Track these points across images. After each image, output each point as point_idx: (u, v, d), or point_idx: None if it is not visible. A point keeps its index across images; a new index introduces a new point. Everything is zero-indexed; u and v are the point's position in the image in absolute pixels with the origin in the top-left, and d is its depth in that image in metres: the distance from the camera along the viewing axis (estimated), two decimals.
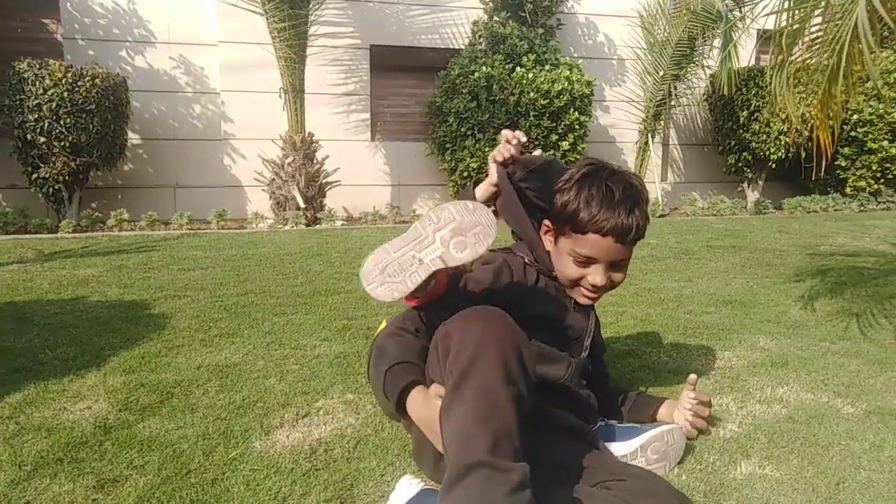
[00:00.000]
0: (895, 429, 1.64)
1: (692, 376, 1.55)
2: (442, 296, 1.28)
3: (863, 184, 7.01)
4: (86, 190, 5.71)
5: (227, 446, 1.48)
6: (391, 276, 1.16)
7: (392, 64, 6.72)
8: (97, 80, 5.23)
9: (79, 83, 5.14)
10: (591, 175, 1.35)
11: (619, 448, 1.39)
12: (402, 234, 1.21)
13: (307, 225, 5.61)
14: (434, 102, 6.27)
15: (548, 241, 1.44)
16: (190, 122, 6.33)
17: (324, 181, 5.96)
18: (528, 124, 5.94)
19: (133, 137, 6.06)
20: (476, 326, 1.08)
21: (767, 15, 2.40)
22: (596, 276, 1.37)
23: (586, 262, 1.37)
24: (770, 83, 2.29)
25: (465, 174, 6.16)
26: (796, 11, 2.19)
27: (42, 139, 5.12)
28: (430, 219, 1.20)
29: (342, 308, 2.73)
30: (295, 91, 5.74)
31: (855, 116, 6.70)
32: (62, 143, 5.16)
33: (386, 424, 1.59)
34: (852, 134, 6.79)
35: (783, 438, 1.58)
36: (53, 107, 5.07)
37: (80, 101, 5.14)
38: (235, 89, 6.26)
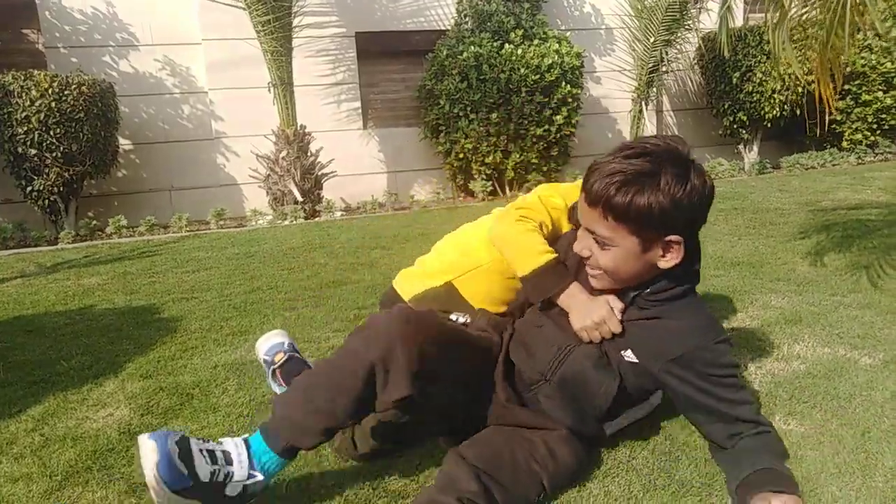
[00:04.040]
0: None
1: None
2: None
3: (859, 136, 6.98)
4: (81, 199, 5.68)
5: None
6: None
7: (379, 50, 6.65)
8: (84, 88, 5.17)
9: (65, 92, 5.09)
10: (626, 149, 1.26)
11: None
12: None
13: (306, 218, 5.59)
14: (424, 86, 6.22)
15: None
16: (180, 124, 6.28)
17: (319, 173, 5.92)
18: (520, 101, 5.90)
19: (124, 143, 6.01)
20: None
21: None
22: (577, 242, 1.32)
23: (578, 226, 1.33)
24: (769, 41, 2.27)
25: (461, 156, 6.13)
26: None
27: (33, 151, 5.08)
28: None
29: (351, 298, 2.73)
30: (284, 84, 5.68)
31: (848, 69, 6.64)
32: (54, 154, 5.12)
33: None
34: (846, 87, 6.74)
35: (804, 394, 1.59)
36: (42, 118, 5.02)
37: (68, 111, 5.09)
38: (223, 87, 6.20)
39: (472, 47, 5.87)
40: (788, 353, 1.84)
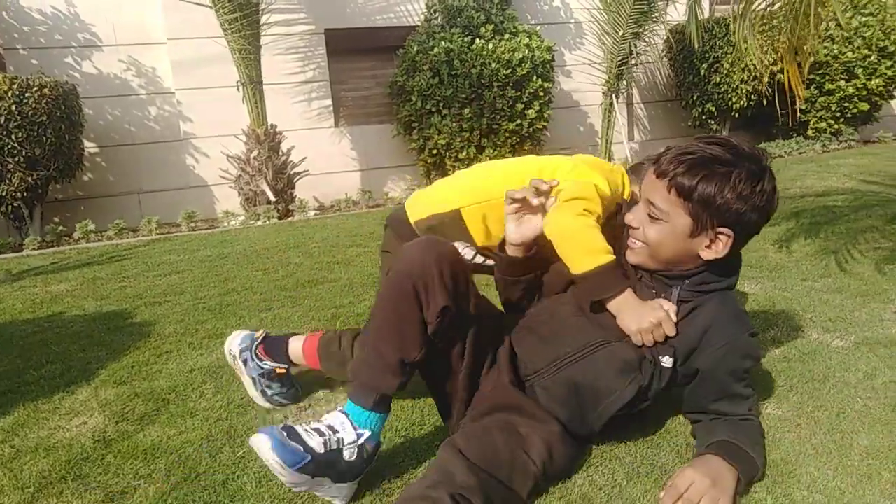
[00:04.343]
0: (885, 357, 1.69)
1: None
2: None
3: (823, 125, 7.14)
4: (46, 204, 5.53)
5: (232, 446, 1.46)
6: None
7: (349, 47, 6.59)
8: (45, 90, 5.03)
9: (26, 94, 4.94)
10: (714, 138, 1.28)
11: None
12: None
13: (280, 218, 5.52)
14: (395, 82, 6.19)
15: None
16: (147, 125, 6.14)
17: (292, 172, 5.86)
18: (492, 95, 5.91)
19: (89, 146, 5.86)
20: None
21: None
22: (629, 212, 1.33)
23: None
24: (734, 32, 2.30)
25: (434, 152, 6.11)
26: None
27: None
28: None
29: (328, 297, 2.70)
30: (253, 83, 5.60)
31: (811, 59, 6.78)
32: (16, 159, 4.97)
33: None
34: (809, 76, 6.89)
35: (780, 377, 1.61)
36: (2, 121, 4.87)
37: (29, 114, 4.94)
38: (190, 87, 6.09)
39: (443, 43, 5.86)
40: (763, 339, 1.87)
